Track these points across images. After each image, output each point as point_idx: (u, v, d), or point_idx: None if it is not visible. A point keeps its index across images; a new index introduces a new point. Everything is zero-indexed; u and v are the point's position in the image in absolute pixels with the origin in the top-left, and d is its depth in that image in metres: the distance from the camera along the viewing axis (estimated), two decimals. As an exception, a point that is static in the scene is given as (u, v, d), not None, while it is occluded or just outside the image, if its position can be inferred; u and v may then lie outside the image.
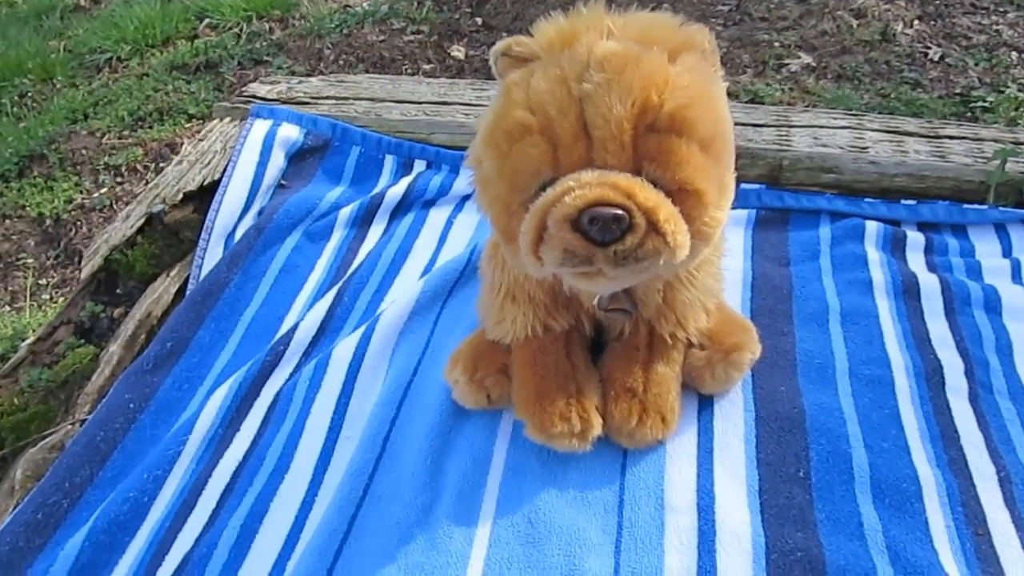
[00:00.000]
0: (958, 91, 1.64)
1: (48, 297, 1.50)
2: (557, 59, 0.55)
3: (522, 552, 0.60)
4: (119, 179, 1.76)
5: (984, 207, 0.97)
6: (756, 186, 1.03)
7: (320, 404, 0.77)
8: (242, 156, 1.11)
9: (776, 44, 1.84)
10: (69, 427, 0.85)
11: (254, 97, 1.26)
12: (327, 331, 0.87)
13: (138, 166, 1.78)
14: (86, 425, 0.81)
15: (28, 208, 1.70)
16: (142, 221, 1.06)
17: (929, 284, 0.84)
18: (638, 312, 0.67)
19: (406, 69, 1.97)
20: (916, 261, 0.91)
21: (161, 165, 1.73)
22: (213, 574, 0.66)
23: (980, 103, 1.58)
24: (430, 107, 1.20)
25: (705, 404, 0.71)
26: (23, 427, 0.88)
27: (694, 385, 0.71)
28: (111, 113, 1.95)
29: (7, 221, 1.68)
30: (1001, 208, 0.97)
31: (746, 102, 1.60)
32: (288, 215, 1.04)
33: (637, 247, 0.52)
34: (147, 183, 1.67)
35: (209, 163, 1.14)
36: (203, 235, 1.04)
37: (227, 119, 1.24)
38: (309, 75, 1.76)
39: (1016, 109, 1.56)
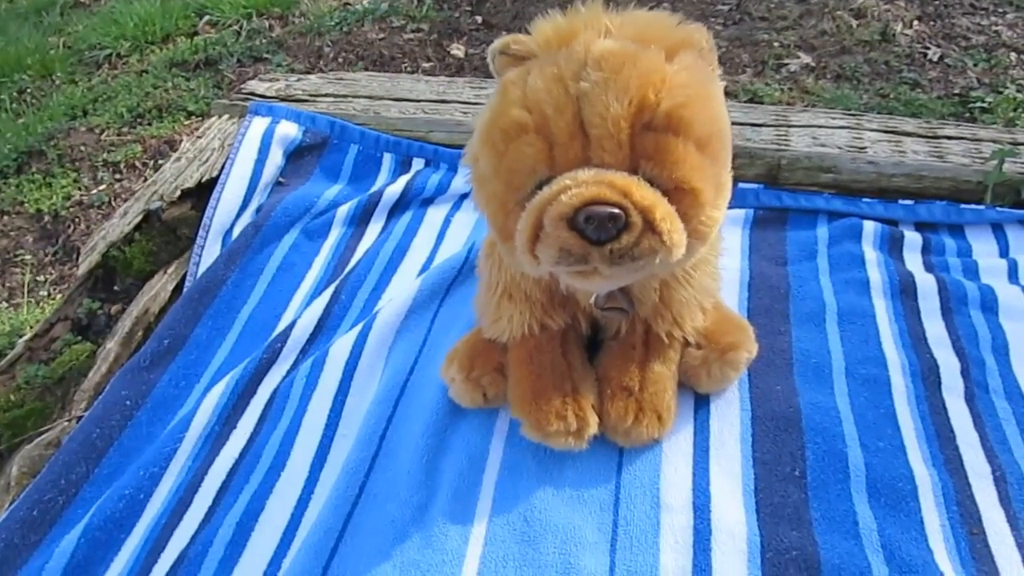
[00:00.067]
0: (957, 91, 1.64)
1: (46, 294, 1.50)
2: (554, 57, 0.55)
3: (518, 550, 0.60)
4: (118, 176, 1.76)
5: (981, 207, 0.97)
6: (754, 185, 1.04)
7: (317, 402, 0.77)
8: (240, 153, 1.11)
9: (776, 44, 1.84)
10: (65, 424, 0.85)
11: (253, 94, 1.26)
12: (324, 329, 0.87)
13: (137, 163, 1.78)
14: (82, 422, 0.80)
15: (26, 204, 1.69)
16: (140, 218, 1.06)
17: (926, 284, 0.84)
18: (634, 311, 0.67)
19: (406, 67, 1.97)
20: (913, 261, 0.91)
21: (160, 162, 1.73)
22: (209, 571, 0.65)
23: (979, 104, 1.59)
24: (429, 105, 1.20)
25: (701, 403, 0.71)
26: (19, 423, 0.88)
27: (690, 384, 0.71)
28: (110, 110, 1.95)
29: (5, 217, 1.68)
30: (998, 208, 0.97)
31: (745, 102, 1.60)
32: (286, 213, 1.04)
33: (633, 246, 0.52)
34: (146, 180, 1.67)
35: (207, 160, 1.14)
36: (201, 232, 1.04)
37: (225, 116, 1.24)
38: (309, 73, 1.76)
39: (1015, 110, 1.56)
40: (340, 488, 0.67)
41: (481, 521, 0.63)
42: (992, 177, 0.98)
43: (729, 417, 0.70)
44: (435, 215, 1.05)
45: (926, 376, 0.73)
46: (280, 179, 1.12)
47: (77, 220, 1.65)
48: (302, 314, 0.88)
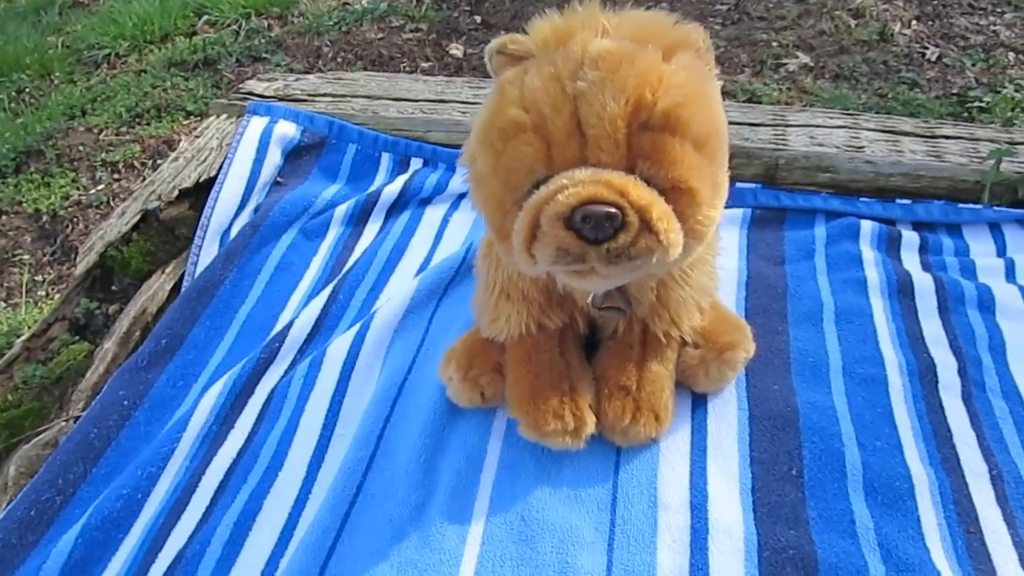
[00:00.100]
0: (955, 91, 1.65)
1: (44, 294, 1.50)
2: (552, 57, 0.55)
3: (515, 550, 0.60)
4: (116, 176, 1.76)
5: (979, 207, 0.98)
6: (752, 185, 1.04)
7: (314, 402, 0.77)
8: (238, 153, 1.11)
9: (774, 44, 1.85)
10: (63, 424, 0.85)
11: (251, 94, 1.26)
12: (322, 329, 0.87)
13: (135, 163, 1.78)
14: (80, 422, 0.80)
15: (25, 204, 1.69)
16: (138, 218, 1.06)
17: (923, 283, 0.84)
18: (632, 310, 0.67)
19: (405, 67, 1.97)
20: (911, 260, 0.91)
21: (159, 162, 1.73)
22: (207, 571, 0.65)
23: (977, 103, 1.59)
24: (427, 105, 1.20)
25: (699, 402, 0.71)
26: (17, 423, 0.88)
27: (688, 383, 0.71)
28: (109, 110, 1.95)
29: (4, 217, 1.68)
30: (996, 208, 0.97)
31: (744, 101, 1.60)
32: (284, 212, 1.04)
33: (630, 245, 0.52)
34: (144, 180, 1.67)
35: (205, 160, 1.14)
36: (199, 232, 1.04)
37: (224, 116, 1.24)
38: (307, 72, 1.76)
39: (1012, 109, 1.56)
40: (338, 488, 0.67)
41: (479, 520, 0.63)
42: (989, 176, 0.98)
43: (727, 416, 0.70)
44: (433, 215, 1.05)
45: (923, 375, 0.74)
46: (278, 179, 1.12)
47: (76, 220, 1.65)
48: (300, 314, 0.88)
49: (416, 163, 1.14)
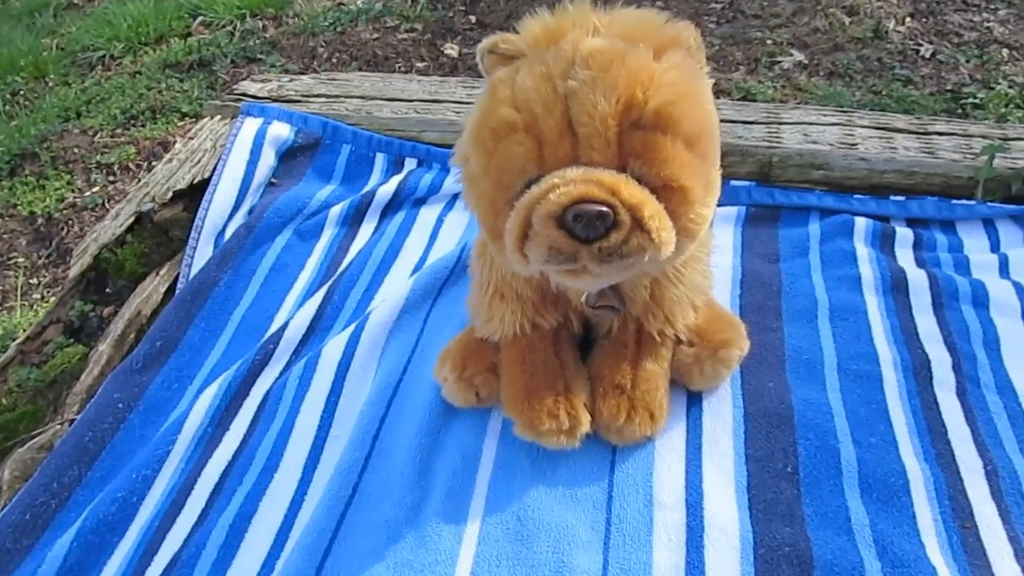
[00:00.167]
0: (949, 88, 1.65)
1: (39, 296, 1.50)
2: (543, 56, 0.55)
3: (511, 549, 0.60)
4: (111, 178, 1.76)
5: (972, 203, 0.98)
6: (746, 183, 1.04)
7: (309, 403, 0.77)
8: (232, 154, 1.11)
9: (769, 41, 1.85)
10: (57, 427, 0.85)
11: (245, 95, 1.26)
12: (317, 330, 0.87)
13: (131, 165, 1.78)
14: (75, 425, 0.80)
15: (20, 207, 1.69)
16: (132, 220, 1.06)
17: (917, 279, 0.84)
18: (626, 309, 0.67)
19: (400, 67, 1.97)
20: (905, 257, 0.91)
21: (153, 164, 1.73)
22: (202, 573, 0.65)
23: (971, 100, 1.59)
24: (421, 105, 1.20)
25: (694, 401, 0.71)
26: (11, 427, 0.88)
27: (683, 382, 0.71)
28: (104, 111, 1.94)
29: (-2, 221, 1.68)
30: (989, 204, 0.97)
31: (738, 99, 1.61)
32: (278, 214, 1.04)
33: (622, 244, 0.52)
34: (139, 182, 1.66)
35: (199, 162, 1.13)
36: (193, 234, 1.04)
37: (217, 117, 1.23)
38: (302, 73, 1.75)
39: (1006, 106, 1.56)
40: (333, 489, 0.67)
41: (474, 520, 0.63)
42: (983, 173, 0.99)
43: (722, 414, 0.70)
44: (428, 215, 1.05)
45: (918, 371, 0.74)
46: (272, 180, 1.12)
47: (71, 222, 1.65)
48: (295, 315, 0.88)
49: (410, 163, 1.14)
